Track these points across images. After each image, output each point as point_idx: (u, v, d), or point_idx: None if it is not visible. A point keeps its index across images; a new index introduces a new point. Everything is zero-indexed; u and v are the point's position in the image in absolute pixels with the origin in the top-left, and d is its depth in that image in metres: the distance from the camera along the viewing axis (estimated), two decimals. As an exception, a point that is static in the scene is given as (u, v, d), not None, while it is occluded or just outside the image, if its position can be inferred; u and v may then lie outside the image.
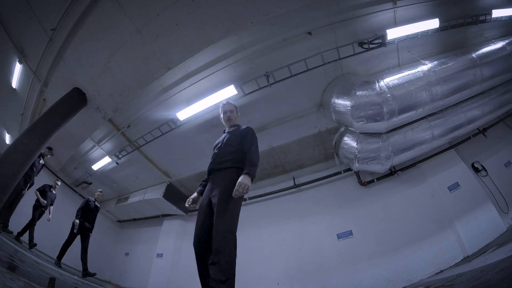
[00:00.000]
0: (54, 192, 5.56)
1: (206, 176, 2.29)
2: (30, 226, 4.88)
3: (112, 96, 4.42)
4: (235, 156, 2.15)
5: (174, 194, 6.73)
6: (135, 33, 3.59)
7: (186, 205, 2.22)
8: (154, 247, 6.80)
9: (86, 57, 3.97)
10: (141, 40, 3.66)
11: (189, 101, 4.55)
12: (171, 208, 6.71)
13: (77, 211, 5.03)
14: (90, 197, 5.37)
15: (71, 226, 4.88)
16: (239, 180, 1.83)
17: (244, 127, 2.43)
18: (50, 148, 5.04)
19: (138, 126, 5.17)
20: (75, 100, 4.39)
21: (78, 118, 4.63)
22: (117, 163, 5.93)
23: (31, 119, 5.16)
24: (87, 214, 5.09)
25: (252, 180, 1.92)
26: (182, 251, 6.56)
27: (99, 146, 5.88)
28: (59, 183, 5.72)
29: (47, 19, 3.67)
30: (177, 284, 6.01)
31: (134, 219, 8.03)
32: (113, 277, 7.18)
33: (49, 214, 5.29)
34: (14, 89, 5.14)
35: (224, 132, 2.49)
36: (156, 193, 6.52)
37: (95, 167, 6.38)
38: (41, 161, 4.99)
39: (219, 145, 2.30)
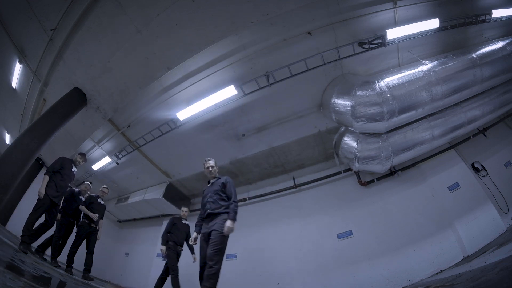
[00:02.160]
0: (102, 202, 4.82)
1: (200, 217, 3.03)
2: (72, 249, 4.27)
3: (112, 96, 4.42)
4: (224, 203, 2.91)
5: (174, 194, 6.74)
6: (135, 33, 3.59)
7: (191, 243, 3.08)
8: (154, 247, 6.79)
9: (86, 57, 3.97)
10: (141, 40, 3.66)
11: (189, 101, 4.55)
12: (171, 208, 6.71)
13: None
14: (93, 194, 4.87)
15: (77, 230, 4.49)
16: (228, 224, 2.69)
17: (223, 177, 3.19)
18: (82, 154, 4.44)
19: (138, 126, 5.17)
20: (75, 100, 4.40)
21: (78, 118, 4.63)
22: (117, 163, 5.93)
23: (31, 119, 5.16)
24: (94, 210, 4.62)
25: (234, 222, 2.76)
26: (182, 251, 6.56)
27: (99, 146, 5.88)
28: (106, 190, 4.97)
29: (47, 19, 3.67)
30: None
31: (134, 219, 8.03)
32: (113, 277, 7.18)
33: (99, 230, 4.58)
34: (14, 89, 5.14)
35: (208, 183, 3.26)
36: (156, 193, 6.52)
37: (95, 167, 6.38)
38: (74, 169, 4.26)
39: (209, 194, 3.01)
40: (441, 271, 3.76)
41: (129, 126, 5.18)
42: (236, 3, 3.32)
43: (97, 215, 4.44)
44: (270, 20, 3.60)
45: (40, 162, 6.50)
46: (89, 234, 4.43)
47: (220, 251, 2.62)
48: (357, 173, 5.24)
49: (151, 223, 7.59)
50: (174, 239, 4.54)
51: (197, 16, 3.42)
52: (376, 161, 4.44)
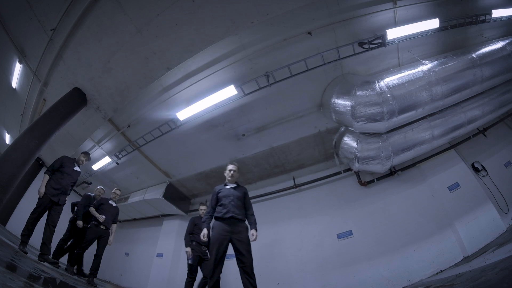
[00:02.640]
0: (114, 204, 4.65)
1: (216, 215, 3.06)
2: (77, 252, 4.23)
3: (112, 96, 4.42)
4: (244, 212, 3.13)
5: (174, 194, 6.74)
6: (135, 33, 3.59)
7: (203, 239, 3.04)
8: (154, 247, 6.80)
9: (86, 57, 3.97)
10: (141, 40, 3.66)
11: (189, 101, 4.55)
12: (171, 208, 6.71)
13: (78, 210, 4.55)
14: (105, 197, 4.78)
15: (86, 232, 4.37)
16: (254, 233, 3.03)
17: (243, 187, 3.31)
18: (86, 153, 4.33)
19: (138, 126, 5.16)
20: (75, 100, 4.40)
21: (78, 118, 4.63)
22: (117, 163, 5.93)
23: (31, 119, 5.16)
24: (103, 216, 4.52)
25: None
26: (182, 251, 6.55)
27: (99, 146, 5.88)
28: (118, 192, 4.85)
29: (47, 19, 3.67)
30: (177, 284, 6.01)
31: (134, 219, 8.03)
32: (113, 277, 7.18)
33: (111, 234, 4.42)
34: (14, 89, 5.14)
35: (226, 186, 3.26)
36: (156, 193, 6.52)
37: (95, 167, 6.38)
38: (77, 168, 4.13)
39: (232, 198, 3.09)
40: (441, 271, 3.76)
41: (129, 126, 5.18)
42: (236, 3, 3.32)
43: (103, 216, 4.30)
44: (270, 20, 3.60)
45: (40, 162, 6.51)
46: (99, 237, 4.30)
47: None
48: (357, 173, 5.24)
49: (151, 223, 7.59)
50: (198, 239, 4.25)
51: (197, 16, 3.41)
52: (376, 161, 4.44)
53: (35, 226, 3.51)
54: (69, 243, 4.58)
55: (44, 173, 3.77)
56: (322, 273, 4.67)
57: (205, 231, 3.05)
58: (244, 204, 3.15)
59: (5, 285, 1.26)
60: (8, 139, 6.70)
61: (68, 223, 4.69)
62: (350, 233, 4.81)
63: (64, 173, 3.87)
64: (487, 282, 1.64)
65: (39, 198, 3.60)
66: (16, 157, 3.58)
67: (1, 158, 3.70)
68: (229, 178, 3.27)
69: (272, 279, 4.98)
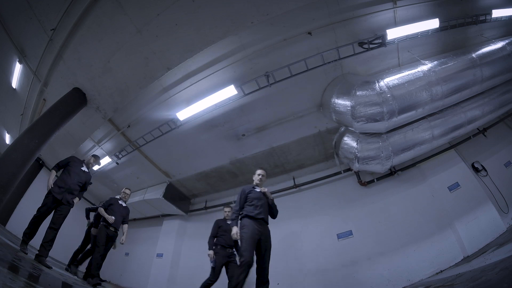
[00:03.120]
0: (124, 205, 4.50)
1: (249, 213, 3.14)
2: (91, 256, 4.09)
3: (112, 96, 4.42)
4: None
5: (174, 194, 6.74)
6: (135, 33, 3.59)
7: (235, 238, 3.04)
8: (154, 247, 6.80)
9: (86, 57, 3.97)
10: (141, 40, 3.66)
11: (189, 101, 4.55)
12: (171, 208, 6.71)
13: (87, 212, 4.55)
14: (115, 196, 4.60)
15: (95, 236, 4.27)
16: None
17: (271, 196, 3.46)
18: (96, 157, 4.23)
19: (138, 126, 5.17)
20: (75, 100, 4.40)
21: (78, 118, 4.63)
22: (117, 163, 5.93)
23: (31, 119, 5.16)
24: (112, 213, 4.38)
25: None
26: (182, 251, 6.57)
27: (99, 146, 5.88)
28: (128, 192, 4.69)
29: (47, 19, 3.67)
30: (177, 284, 6.01)
31: (134, 219, 8.02)
32: (113, 277, 7.17)
33: (123, 235, 4.27)
34: (14, 89, 5.14)
35: (255, 188, 3.40)
36: (156, 193, 6.52)
37: (95, 167, 6.37)
38: (85, 169, 3.98)
39: (263, 201, 3.27)
40: (441, 271, 3.76)
41: (129, 126, 5.18)
42: (236, 3, 3.32)
43: (113, 217, 4.15)
44: (270, 20, 3.60)
45: (40, 162, 6.50)
46: (108, 239, 4.13)
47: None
48: (357, 173, 5.24)
49: (151, 223, 7.59)
50: (222, 242, 4.18)
51: (197, 16, 3.41)
52: (376, 161, 4.44)
53: (38, 226, 3.34)
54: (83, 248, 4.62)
55: (51, 169, 3.72)
56: (322, 273, 4.67)
57: (235, 229, 3.08)
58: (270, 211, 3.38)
59: (6, 285, 1.26)
60: (8, 139, 6.70)
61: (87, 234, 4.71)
62: (350, 233, 4.81)
63: (70, 171, 3.73)
64: (487, 282, 1.64)
65: (45, 195, 3.48)
66: (16, 157, 3.57)
67: (1, 158, 3.70)
68: (258, 182, 3.45)
69: (272, 279, 4.96)
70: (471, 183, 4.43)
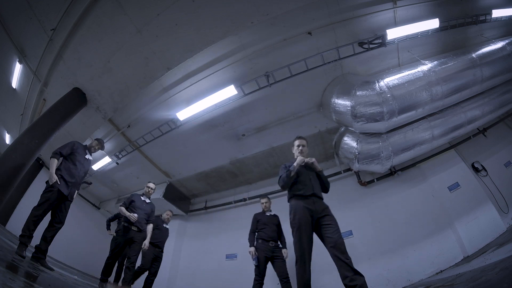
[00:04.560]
0: (148, 201, 4.01)
1: (296, 192, 2.68)
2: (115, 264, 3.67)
3: (112, 96, 4.42)
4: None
5: (174, 194, 6.74)
6: (135, 33, 3.60)
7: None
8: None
9: (86, 57, 3.97)
10: (141, 40, 3.66)
11: (189, 101, 4.55)
12: (171, 208, 6.70)
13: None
14: (136, 192, 4.17)
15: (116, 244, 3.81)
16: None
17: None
18: (100, 140, 3.72)
19: (138, 126, 5.17)
20: (75, 100, 4.40)
21: (78, 118, 4.63)
22: (117, 163, 5.93)
23: (31, 119, 5.16)
24: (156, 236, 4.29)
25: None
26: (182, 251, 6.56)
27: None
28: (152, 186, 4.13)
29: (47, 19, 3.67)
30: (177, 284, 6.01)
31: (134, 219, 8.02)
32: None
33: (147, 237, 3.79)
34: (14, 89, 5.14)
35: (288, 165, 2.87)
36: (156, 193, 6.51)
37: (95, 167, 6.38)
38: (89, 157, 3.55)
39: (310, 176, 2.79)
40: (441, 271, 3.76)
41: (129, 126, 5.18)
42: (236, 3, 3.32)
43: (135, 215, 3.65)
44: (270, 20, 3.60)
45: (40, 162, 6.50)
46: (130, 241, 3.66)
47: None
48: (357, 173, 5.24)
49: (151, 223, 7.58)
50: (263, 236, 3.87)
51: (197, 16, 3.42)
52: (376, 161, 4.44)
53: (38, 225, 2.90)
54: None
55: (51, 157, 3.12)
56: (322, 273, 4.66)
57: (252, 249, 3.03)
58: (320, 183, 2.81)
59: (5, 285, 1.26)
60: (8, 139, 6.70)
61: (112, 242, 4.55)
62: (350, 233, 4.80)
63: (76, 161, 3.26)
64: (487, 282, 1.64)
65: (44, 192, 2.99)
66: (16, 157, 3.57)
67: (1, 158, 3.70)
68: (298, 154, 2.88)
69: (272, 279, 4.97)
70: (471, 183, 4.43)
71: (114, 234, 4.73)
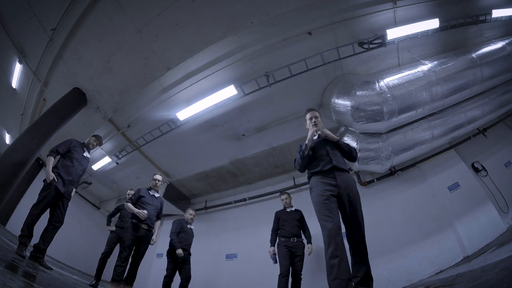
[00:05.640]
0: (157, 195, 3.79)
1: (313, 169, 2.37)
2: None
3: (112, 96, 4.43)
4: (345, 163, 2.43)
5: (174, 194, 6.74)
6: (135, 33, 3.60)
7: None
8: (154, 247, 6.77)
9: (86, 57, 3.97)
10: (141, 40, 3.66)
11: (189, 101, 4.55)
12: (171, 208, 6.70)
13: (171, 236, 4.14)
14: (143, 187, 3.87)
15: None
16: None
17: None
18: (98, 137, 3.65)
19: (138, 126, 5.17)
20: (75, 100, 4.40)
21: (78, 118, 4.63)
22: (117, 163, 5.94)
23: (31, 119, 5.16)
24: (184, 239, 4.25)
25: None
26: (182, 251, 6.56)
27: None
28: (159, 177, 3.92)
29: (47, 19, 3.67)
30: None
31: (134, 219, 8.03)
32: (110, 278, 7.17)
33: (154, 233, 3.65)
34: (14, 89, 5.15)
35: (316, 136, 2.60)
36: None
37: (95, 167, 6.39)
38: (87, 154, 3.49)
39: (327, 148, 2.42)
40: (441, 271, 3.75)
41: (129, 126, 5.18)
42: (236, 3, 3.32)
43: (145, 211, 3.44)
44: (270, 20, 3.60)
45: (40, 162, 6.50)
46: (139, 240, 3.48)
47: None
48: (357, 173, 5.24)
49: (151, 223, 7.58)
50: (284, 233, 3.80)
51: (197, 16, 3.42)
52: (376, 161, 4.44)
53: (35, 224, 2.90)
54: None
55: (48, 155, 3.13)
56: (322, 273, 4.65)
57: (272, 249, 2.81)
58: (344, 152, 2.44)
59: (5, 285, 1.26)
60: (8, 139, 6.71)
61: (166, 257, 4.33)
62: (350, 233, 4.80)
63: (73, 159, 3.23)
64: (487, 282, 1.64)
65: (42, 190, 3.00)
66: (16, 157, 3.57)
67: (1, 158, 3.70)
68: (317, 127, 2.62)
69: (273, 279, 4.96)
70: (471, 183, 4.43)
71: (114, 229, 4.55)
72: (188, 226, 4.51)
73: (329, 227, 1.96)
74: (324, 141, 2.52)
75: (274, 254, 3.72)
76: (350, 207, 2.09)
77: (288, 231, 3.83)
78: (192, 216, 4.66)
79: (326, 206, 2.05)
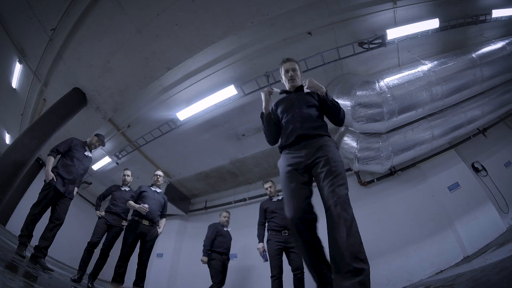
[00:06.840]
0: (159, 191, 3.68)
1: (283, 141, 1.93)
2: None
3: (112, 96, 4.42)
4: (320, 122, 1.90)
5: (174, 194, 6.74)
6: (135, 33, 3.60)
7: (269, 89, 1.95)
8: (154, 247, 6.77)
9: (86, 57, 3.97)
10: (141, 40, 3.66)
11: (189, 101, 4.55)
12: (171, 208, 6.69)
13: (205, 242, 4.00)
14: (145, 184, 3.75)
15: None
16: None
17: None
18: (100, 136, 3.58)
19: (138, 126, 5.17)
20: (75, 100, 4.40)
21: (78, 118, 4.63)
22: (117, 163, 5.94)
23: (31, 119, 5.16)
24: (222, 242, 4.11)
25: None
26: (182, 251, 6.56)
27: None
28: (160, 173, 3.83)
29: (47, 19, 3.67)
30: (177, 284, 6.01)
31: (134, 219, 8.02)
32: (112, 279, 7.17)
33: (160, 229, 3.58)
34: (14, 89, 5.15)
35: (285, 93, 2.10)
36: (156, 193, 6.52)
37: (95, 167, 6.39)
38: (88, 154, 3.43)
39: (296, 108, 1.86)
40: (441, 271, 3.76)
41: (129, 126, 5.19)
42: (236, 3, 3.32)
43: (146, 206, 3.28)
44: (270, 20, 3.60)
45: (40, 162, 6.50)
46: (141, 238, 3.36)
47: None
48: (357, 173, 5.24)
49: (151, 223, 7.58)
50: (273, 226, 3.46)
51: (197, 16, 3.42)
52: (376, 161, 4.43)
53: (36, 224, 2.89)
54: None
55: (48, 154, 3.10)
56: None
57: (261, 245, 2.36)
58: (321, 109, 1.92)
59: (5, 285, 1.26)
60: (8, 139, 6.71)
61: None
62: (350, 233, 4.80)
63: (74, 158, 3.17)
64: (487, 282, 1.64)
65: (42, 189, 2.97)
66: (16, 157, 3.57)
67: (1, 158, 3.71)
68: (288, 83, 2.17)
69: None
70: (471, 183, 4.43)
71: (102, 214, 3.94)
72: (225, 229, 4.25)
73: (288, 216, 1.56)
74: (296, 97, 1.95)
75: (264, 251, 3.37)
76: (324, 175, 1.58)
77: (278, 223, 3.36)
78: (226, 218, 4.39)
79: (287, 188, 1.64)
